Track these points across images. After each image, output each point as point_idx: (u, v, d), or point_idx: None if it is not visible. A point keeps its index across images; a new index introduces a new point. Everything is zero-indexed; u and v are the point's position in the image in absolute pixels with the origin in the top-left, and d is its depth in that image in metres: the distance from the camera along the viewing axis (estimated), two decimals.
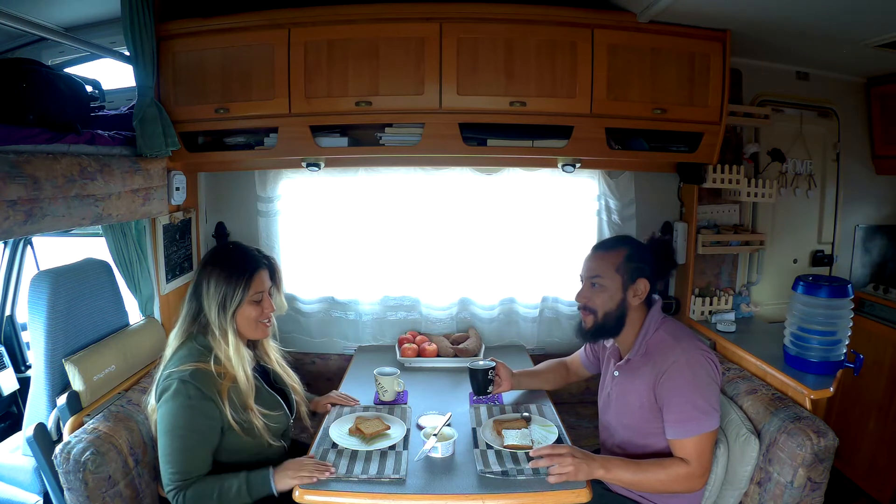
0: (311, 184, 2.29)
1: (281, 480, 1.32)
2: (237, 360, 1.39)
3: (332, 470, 1.33)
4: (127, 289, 1.88)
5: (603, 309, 1.50)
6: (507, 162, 2.20)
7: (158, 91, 1.85)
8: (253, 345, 1.56)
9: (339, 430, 1.53)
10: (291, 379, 1.62)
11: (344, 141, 1.98)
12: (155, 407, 1.38)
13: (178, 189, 1.97)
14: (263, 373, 1.56)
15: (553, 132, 1.95)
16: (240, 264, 1.44)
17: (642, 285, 1.49)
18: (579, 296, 1.55)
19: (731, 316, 2.12)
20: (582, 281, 1.56)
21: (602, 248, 1.56)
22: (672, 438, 1.38)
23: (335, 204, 2.30)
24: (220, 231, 2.31)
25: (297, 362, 2.33)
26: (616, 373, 1.56)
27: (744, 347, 1.87)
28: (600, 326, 1.52)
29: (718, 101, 1.92)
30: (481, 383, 1.73)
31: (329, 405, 1.73)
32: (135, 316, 1.92)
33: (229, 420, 1.35)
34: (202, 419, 1.33)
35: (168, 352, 1.42)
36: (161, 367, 1.40)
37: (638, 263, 1.50)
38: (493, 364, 1.75)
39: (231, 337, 1.40)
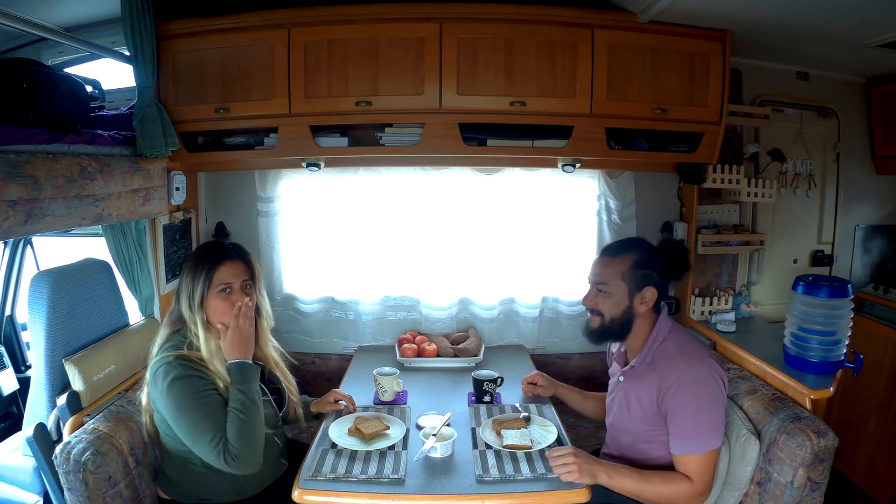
0: (311, 184, 2.29)
1: (232, 353, 1.38)
2: (206, 353, 1.39)
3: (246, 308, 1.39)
4: (127, 289, 1.88)
5: (609, 314, 1.48)
6: (507, 162, 2.20)
7: (158, 91, 1.85)
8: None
9: (338, 431, 1.53)
10: (287, 380, 1.62)
11: (344, 141, 1.98)
12: (148, 402, 1.40)
13: (178, 189, 1.97)
14: None
15: (553, 132, 1.95)
16: (205, 256, 1.44)
17: (650, 293, 1.45)
18: (585, 299, 1.52)
19: (731, 316, 2.12)
20: (589, 284, 1.54)
21: (608, 253, 1.52)
22: (675, 454, 1.39)
23: (335, 204, 2.30)
24: (220, 231, 2.31)
25: (297, 362, 2.34)
26: (621, 378, 1.55)
27: (744, 347, 1.87)
28: (606, 329, 1.50)
29: (718, 101, 1.92)
30: (479, 392, 1.77)
31: (334, 402, 1.71)
32: (135, 316, 1.92)
33: (222, 391, 1.36)
34: (198, 381, 1.34)
35: (154, 349, 1.43)
36: (150, 359, 1.42)
37: (645, 270, 1.45)
38: (496, 375, 1.77)
39: (201, 330, 1.40)
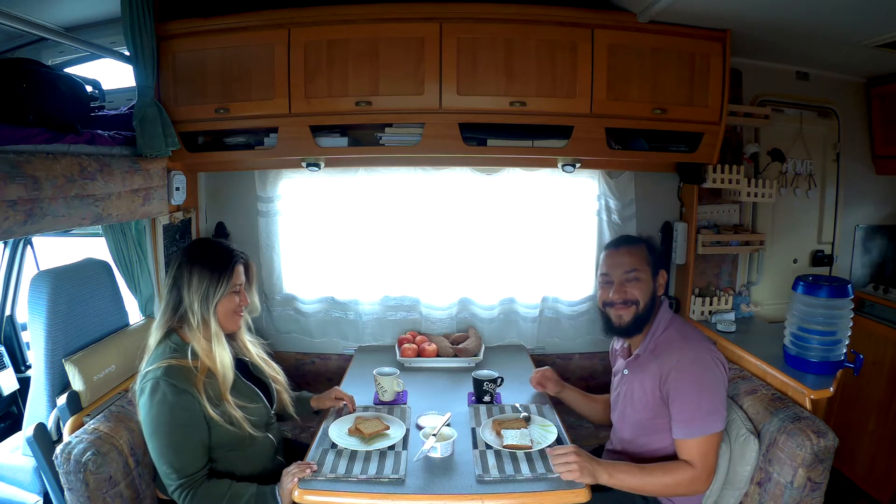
0: (311, 184, 2.29)
1: (283, 493, 1.34)
2: (219, 348, 1.40)
3: (314, 467, 1.36)
4: (127, 289, 1.88)
5: (643, 300, 1.50)
6: (507, 162, 2.20)
7: (158, 91, 1.85)
8: (230, 339, 1.56)
9: (338, 430, 1.53)
10: (273, 370, 1.62)
11: (344, 141, 1.98)
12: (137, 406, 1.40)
13: (178, 189, 1.97)
14: (242, 366, 1.56)
15: (553, 132, 1.95)
16: (221, 257, 1.46)
17: (663, 277, 1.54)
18: (618, 293, 1.50)
19: (731, 316, 2.12)
20: (608, 281, 1.53)
21: (626, 243, 1.56)
22: (678, 438, 1.39)
23: (335, 204, 2.30)
24: (220, 231, 2.31)
25: (297, 362, 2.37)
26: (626, 371, 1.57)
27: (744, 347, 1.87)
28: (641, 317, 1.50)
29: (718, 101, 1.92)
30: (479, 392, 1.77)
31: (335, 399, 1.70)
32: (135, 316, 1.92)
33: (209, 412, 1.35)
34: (182, 412, 1.33)
35: (151, 341, 1.43)
36: (142, 365, 1.41)
37: (656, 257, 1.55)
38: (496, 375, 1.77)
39: (214, 326, 1.42)
